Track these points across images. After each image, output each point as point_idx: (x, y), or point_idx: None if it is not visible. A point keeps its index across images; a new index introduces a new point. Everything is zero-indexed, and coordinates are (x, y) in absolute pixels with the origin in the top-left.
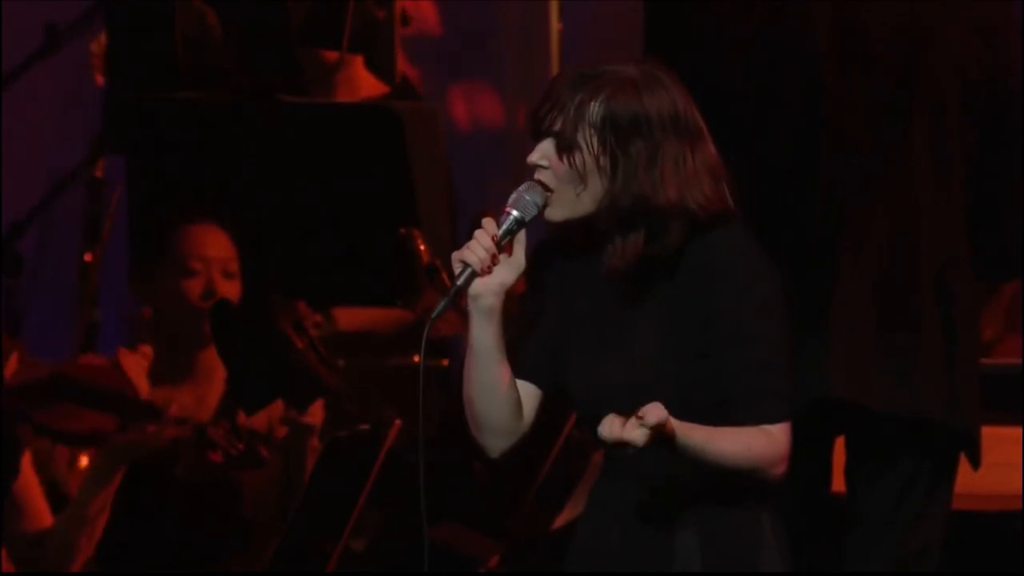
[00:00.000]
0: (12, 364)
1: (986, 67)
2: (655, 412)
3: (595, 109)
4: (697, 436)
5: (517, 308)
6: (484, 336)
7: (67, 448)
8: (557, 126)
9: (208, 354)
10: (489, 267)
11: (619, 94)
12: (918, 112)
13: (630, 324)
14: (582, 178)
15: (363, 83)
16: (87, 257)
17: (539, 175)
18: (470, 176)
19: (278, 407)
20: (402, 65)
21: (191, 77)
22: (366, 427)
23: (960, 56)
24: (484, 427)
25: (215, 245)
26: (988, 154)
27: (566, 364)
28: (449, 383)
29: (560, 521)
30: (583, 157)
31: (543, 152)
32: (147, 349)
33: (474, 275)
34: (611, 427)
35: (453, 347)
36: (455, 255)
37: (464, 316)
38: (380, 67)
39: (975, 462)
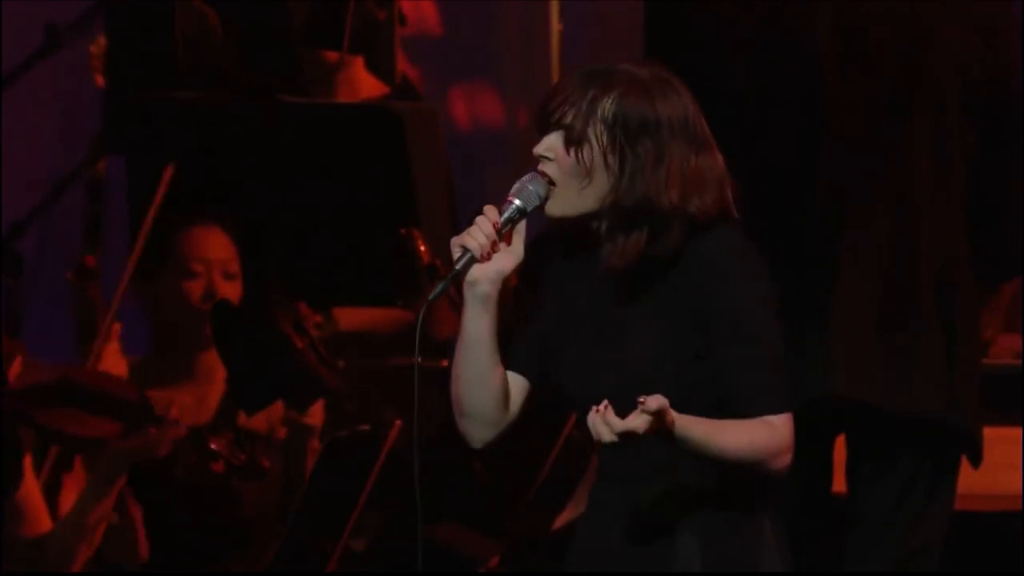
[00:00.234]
0: (16, 367)
1: (987, 67)
2: (656, 400)
3: (607, 105)
4: (699, 428)
5: (510, 299)
6: (477, 323)
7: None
8: (567, 119)
9: (209, 355)
10: (488, 254)
11: (632, 93)
12: (918, 112)
13: (627, 323)
14: (588, 173)
15: (363, 83)
16: (88, 260)
17: (543, 166)
18: (470, 176)
19: (278, 408)
20: (402, 65)
21: (191, 77)
22: (366, 427)
23: (961, 56)
24: (469, 415)
25: (216, 247)
26: (988, 154)
27: (561, 362)
28: (449, 384)
29: (560, 521)
30: (591, 152)
31: (549, 144)
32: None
33: (473, 260)
34: (610, 421)
35: (453, 348)
36: (455, 240)
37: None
38: (380, 67)
39: (975, 461)
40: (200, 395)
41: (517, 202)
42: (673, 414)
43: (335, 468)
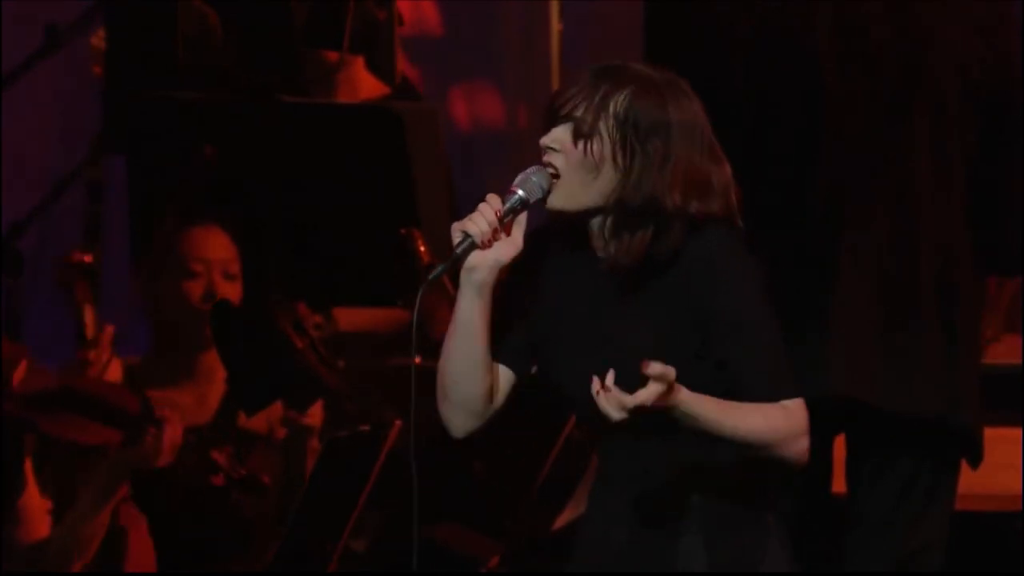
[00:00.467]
0: (20, 372)
1: (987, 67)
2: (660, 365)
3: (620, 101)
4: (710, 405)
5: (500, 292)
6: (471, 310)
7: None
8: (578, 112)
9: (209, 355)
10: (489, 241)
11: (644, 92)
12: (918, 112)
13: (625, 322)
14: (596, 167)
15: (364, 84)
16: (87, 258)
17: (549, 158)
18: (470, 176)
19: (277, 408)
20: (402, 65)
21: (191, 77)
22: (366, 427)
23: (961, 56)
24: (454, 402)
25: (216, 247)
26: (988, 154)
27: (557, 360)
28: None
29: (560, 521)
30: (601, 146)
31: (556, 136)
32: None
33: (473, 246)
34: (620, 397)
35: None
36: (456, 225)
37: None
38: (380, 68)
39: (975, 462)
40: (200, 395)
41: (520, 192)
42: (683, 389)
43: (335, 468)
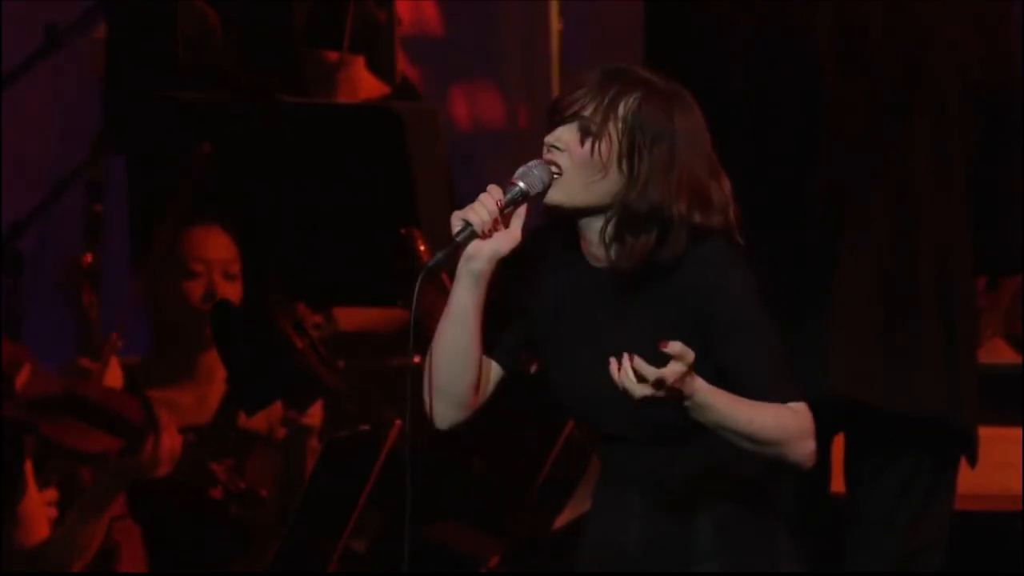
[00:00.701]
0: (24, 375)
1: (987, 67)
2: (680, 344)
3: (629, 104)
4: (724, 398)
5: (495, 287)
6: (466, 299)
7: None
8: (587, 112)
9: (209, 355)
10: (490, 231)
11: (652, 98)
12: (919, 112)
13: (625, 326)
14: (602, 168)
15: (364, 84)
16: (86, 257)
17: (553, 156)
18: (470, 176)
19: (277, 408)
20: (402, 65)
21: (191, 77)
22: (366, 427)
23: (961, 56)
24: (441, 392)
25: (216, 247)
26: (989, 153)
27: (553, 362)
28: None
29: (560, 521)
30: (608, 147)
31: (561, 134)
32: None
33: (473, 235)
34: (642, 369)
35: None
36: (456, 213)
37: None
38: (380, 68)
39: (972, 460)
40: (200, 395)
41: (521, 184)
42: (699, 378)
43: (335, 468)
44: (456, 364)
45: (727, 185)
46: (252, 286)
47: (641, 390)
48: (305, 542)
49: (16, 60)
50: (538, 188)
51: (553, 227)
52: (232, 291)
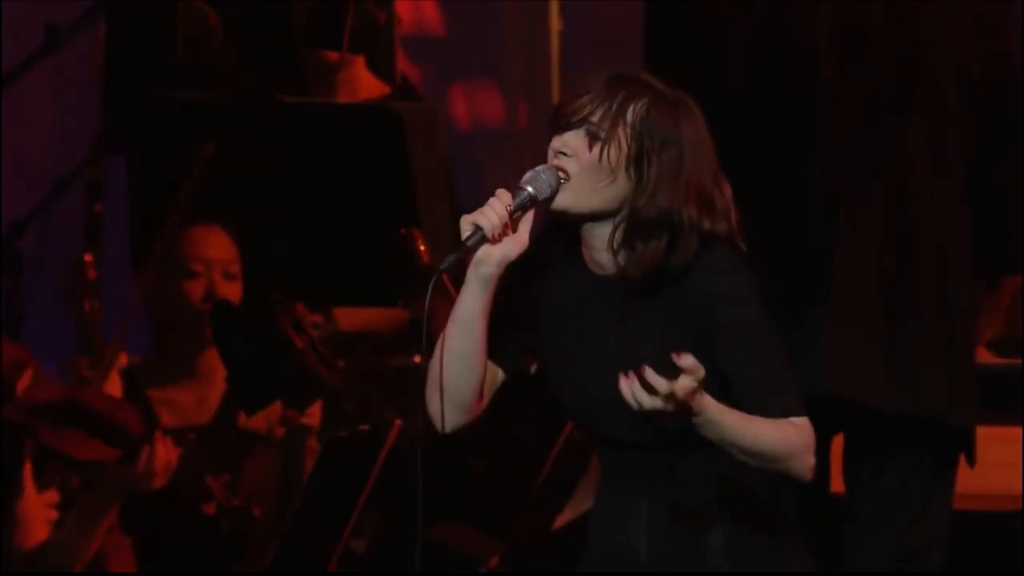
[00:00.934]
0: (26, 379)
1: (987, 67)
2: (691, 358)
3: (638, 109)
4: (733, 415)
5: (498, 291)
6: (475, 304)
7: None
8: (595, 118)
9: (209, 355)
10: (500, 235)
11: (660, 104)
12: (918, 112)
13: (627, 333)
14: (611, 173)
15: (364, 83)
16: (87, 257)
17: (560, 162)
18: (470, 176)
19: (277, 408)
20: (402, 65)
21: (191, 77)
22: (366, 427)
23: (961, 56)
24: (447, 397)
25: (216, 246)
26: (989, 153)
27: (556, 368)
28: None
29: (560, 521)
30: (618, 152)
31: (568, 141)
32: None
33: (484, 239)
34: (653, 380)
35: None
36: (466, 217)
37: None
38: (380, 67)
39: (971, 459)
40: (200, 395)
41: (530, 189)
42: (707, 396)
43: (335, 468)
44: (463, 368)
45: (728, 191)
46: (252, 286)
47: (651, 402)
48: (305, 542)
49: (16, 60)
50: (546, 193)
51: (554, 233)
52: (232, 291)
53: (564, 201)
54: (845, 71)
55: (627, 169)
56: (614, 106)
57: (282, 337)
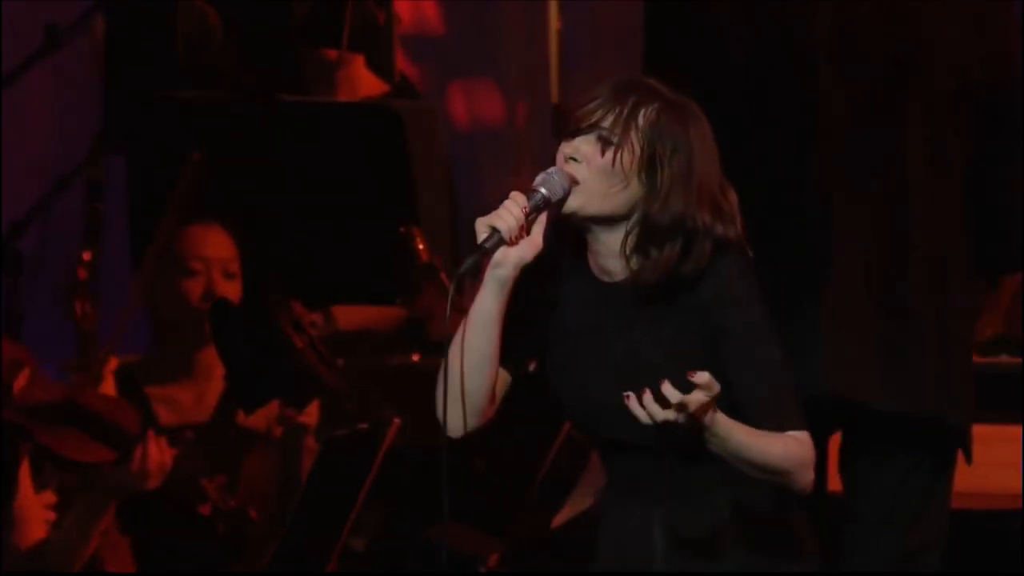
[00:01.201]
0: (23, 379)
1: (986, 67)
2: (705, 374)
3: (648, 114)
4: (741, 430)
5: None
6: (491, 306)
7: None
8: (606, 123)
9: (207, 353)
10: (517, 237)
11: (669, 109)
12: (916, 112)
13: (635, 338)
14: (624, 178)
15: (363, 82)
16: (85, 256)
17: (572, 168)
18: (469, 175)
19: (275, 406)
20: (402, 64)
21: (191, 77)
22: (365, 426)
23: (960, 56)
24: (459, 398)
25: (215, 245)
26: (988, 153)
27: (562, 371)
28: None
29: (560, 520)
30: (630, 157)
31: (579, 147)
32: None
33: (502, 241)
34: (667, 392)
35: None
36: (481, 220)
37: (465, 316)
38: (380, 66)
39: (968, 456)
40: (199, 393)
41: (543, 191)
42: (719, 412)
43: (334, 467)
44: (478, 371)
45: (733, 197)
46: (251, 284)
47: (663, 414)
48: (304, 541)
49: (16, 60)
50: (559, 194)
51: (561, 237)
52: (231, 289)
53: (576, 203)
54: (844, 71)
55: (639, 174)
56: (625, 111)
57: (281, 336)
